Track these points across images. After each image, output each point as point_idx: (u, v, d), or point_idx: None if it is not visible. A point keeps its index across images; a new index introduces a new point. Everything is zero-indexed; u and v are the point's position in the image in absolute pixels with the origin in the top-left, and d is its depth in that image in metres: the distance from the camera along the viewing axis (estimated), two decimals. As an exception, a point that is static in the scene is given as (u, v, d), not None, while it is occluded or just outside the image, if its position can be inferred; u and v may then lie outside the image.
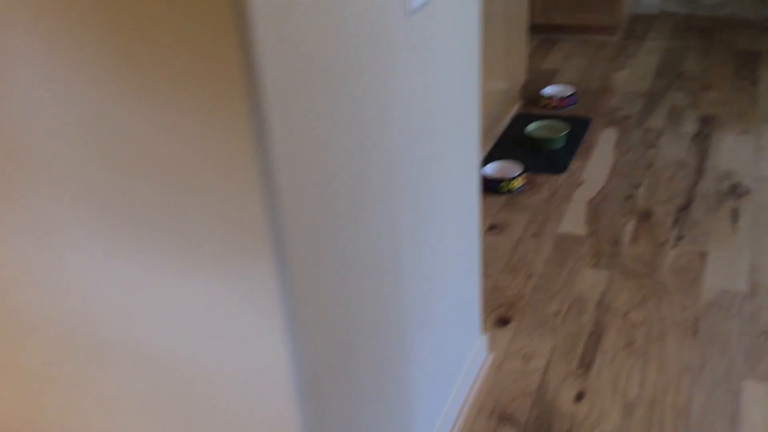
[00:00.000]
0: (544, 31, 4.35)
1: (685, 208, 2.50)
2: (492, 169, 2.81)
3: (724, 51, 3.87)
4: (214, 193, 0.82)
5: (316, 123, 0.87)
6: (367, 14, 0.94)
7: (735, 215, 2.43)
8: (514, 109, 3.38)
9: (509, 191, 2.70)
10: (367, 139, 1.01)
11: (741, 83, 3.45)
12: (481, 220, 2.49)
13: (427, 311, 1.39)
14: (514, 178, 2.70)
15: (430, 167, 1.28)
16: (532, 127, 3.09)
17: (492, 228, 2.49)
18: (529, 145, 3.03)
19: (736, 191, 2.57)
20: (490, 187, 2.72)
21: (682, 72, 3.65)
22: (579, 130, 3.14)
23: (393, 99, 1.07)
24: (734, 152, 2.83)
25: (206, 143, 0.79)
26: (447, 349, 1.55)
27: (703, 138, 2.97)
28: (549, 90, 3.46)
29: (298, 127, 0.83)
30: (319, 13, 0.83)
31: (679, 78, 3.58)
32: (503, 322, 2.03)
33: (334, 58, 0.88)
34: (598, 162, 2.87)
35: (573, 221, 2.49)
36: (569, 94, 3.38)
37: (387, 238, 1.14)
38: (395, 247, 1.17)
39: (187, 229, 0.86)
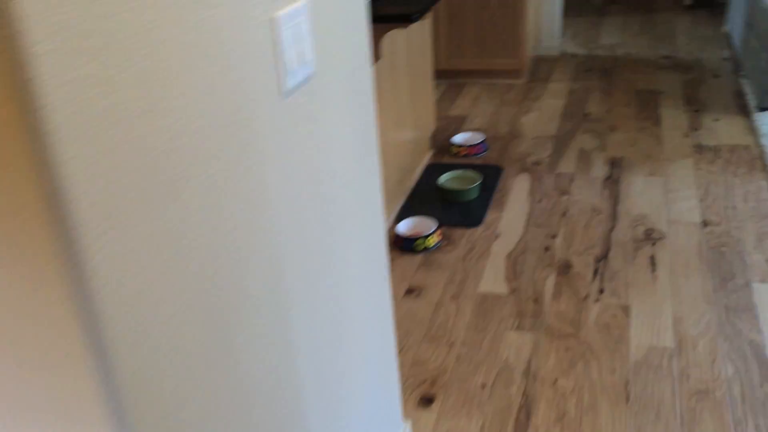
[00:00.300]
0: (450, 77, 4.32)
1: (603, 257, 2.43)
2: (406, 226, 2.67)
3: (626, 91, 3.94)
4: (30, 358, 0.62)
5: (163, 247, 0.68)
6: (231, 104, 0.77)
7: (653, 263, 2.38)
8: (426, 159, 3.29)
9: (425, 249, 2.57)
10: (240, 248, 0.83)
11: (644, 123, 3.49)
12: (391, 295, 2.33)
13: (337, 415, 1.21)
14: (429, 236, 2.57)
15: (328, 250, 1.11)
16: (444, 179, 2.99)
17: (409, 292, 2.34)
18: (443, 198, 2.92)
19: (650, 237, 2.53)
20: (405, 246, 2.58)
21: (588, 113, 3.67)
22: (492, 178, 3.06)
23: (273, 190, 0.90)
24: (645, 195, 2.82)
25: (4, 297, 0.59)
26: (364, 453, 1.37)
27: (613, 181, 2.95)
28: (459, 138, 3.39)
29: (135, 258, 0.64)
30: (159, 114, 0.66)
31: (585, 120, 3.60)
32: (427, 401, 1.87)
33: (187, 164, 0.71)
34: (513, 212, 2.79)
35: (493, 278, 2.37)
36: (479, 141, 3.32)
37: (278, 352, 0.96)
38: (289, 358, 0.99)
39: (6, 407, 0.66)
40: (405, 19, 2.30)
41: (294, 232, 0.97)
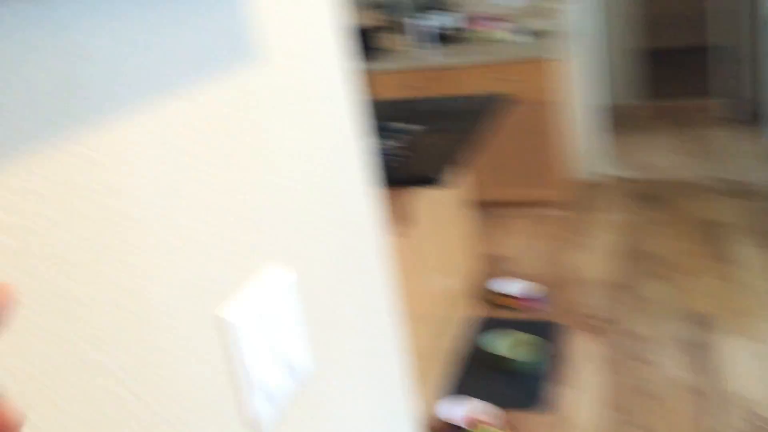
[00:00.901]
0: (485, 208, 3.95)
1: (711, 463, 1.93)
2: (457, 410, 2.19)
3: (686, 223, 3.52)
4: None
5: None
6: None
7: (779, 474, 1.87)
8: (468, 313, 2.84)
9: (482, 445, 2.09)
10: None
11: (718, 264, 3.05)
12: None
13: None
14: (491, 426, 2.09)
15: None
16: (500, 345, 2.53)
17: None
18: (493, 365, 2.46)
19: (767, 432, 2.03)
20: (458, 442, 2.10)
21: (648, 252, 3.24)
22: (549, 338, 2.60)
23: None
24: (747, 368, 2.33)
25: None
26: None
27: (700, 347, 2.48)
28: (510, 287, 2.95)
29: None
30: None
31: (647, 261, 3.16)
32: None
33: None
34: (584, 389, 2.31)
35: (573, 495, 1.87)
36: (537, 294, 2.88)
37: None
38: None
39: None
40: (431, 182, 1.91)
41: None
